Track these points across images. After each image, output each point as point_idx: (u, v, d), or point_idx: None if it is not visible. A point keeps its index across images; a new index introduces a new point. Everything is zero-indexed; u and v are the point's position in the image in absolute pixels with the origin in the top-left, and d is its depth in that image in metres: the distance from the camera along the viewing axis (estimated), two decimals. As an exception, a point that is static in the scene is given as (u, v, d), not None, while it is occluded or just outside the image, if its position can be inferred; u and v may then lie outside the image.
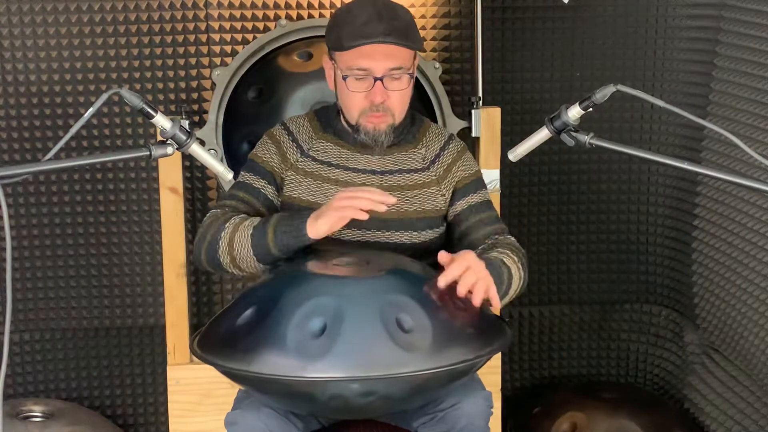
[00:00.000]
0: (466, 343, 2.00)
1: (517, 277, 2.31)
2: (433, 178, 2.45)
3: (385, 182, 2.42)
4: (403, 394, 2.01)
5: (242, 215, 2.34)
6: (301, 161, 2.44)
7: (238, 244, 2.28)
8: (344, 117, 2.43)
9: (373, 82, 2.32)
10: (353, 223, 2.33)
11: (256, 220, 2.30)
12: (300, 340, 1.93)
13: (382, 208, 2.18)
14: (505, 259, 2.29)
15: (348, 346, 1.91)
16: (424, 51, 3.13)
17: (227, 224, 2.30)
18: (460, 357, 1.97)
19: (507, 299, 2.30)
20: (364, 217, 2.17)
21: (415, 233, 2.41)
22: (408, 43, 2.31)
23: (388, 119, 2.37)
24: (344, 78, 2.34)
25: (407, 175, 2.44)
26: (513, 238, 2.44)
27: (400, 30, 2.31)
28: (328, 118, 2.49)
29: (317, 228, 2.20)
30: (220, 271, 2.38)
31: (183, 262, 2.75)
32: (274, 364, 1.93)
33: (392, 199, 2.19)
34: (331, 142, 2.45)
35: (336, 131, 2.46)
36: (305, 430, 2.23)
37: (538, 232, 3.44)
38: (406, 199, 2.42)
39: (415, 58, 2.41)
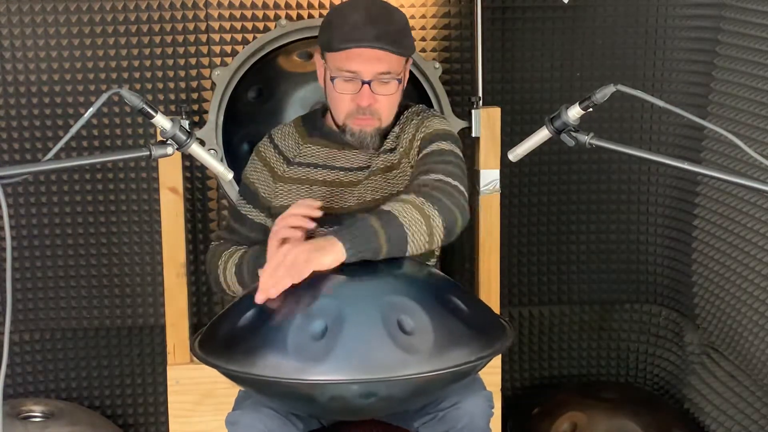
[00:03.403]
0: (467, 344, 1.99)
1: (411, 212, 2.11)
2: (401, 151, 2.45)
3: (367, 171, 2.43)
4: (404, 396, 2.01)
5: (230, 249, 2.46)
6: (289, 171, 2.47)
7: (232, 283, 2.44)
8: (332, 116, 2.44)
9: (361, 85, 2.32)
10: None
11: (237, 257, 2.42)
12: (301, 342, 1.93)
13: (315, 213, 2.20)
14: (384, 206, 2.13)
15: (349, 348, 1.91)
16: (421, 52, 3.13)
17: (220, 263, 2.45)
18: (462, 359, 1.97)
19: (420, 239, 2.11)
20: (297, 234, 2.19)
21: None
22: (398, 50, 2.31)
23: (375, 122, 2.38)
24: (332, 79, 2.35)
25: (384, 157, 2.45)
26: (434, 176, 2.25)
27: (392, 35, 2.31)
28: (313, 122, 2.51)
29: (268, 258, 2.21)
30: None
31: (183, 262, 2.74)
32: (275, 366, 1.93)
33: (316, 209, 2.20)
34: (319, 145, 2.47)
35: (322, 133, 2.47)
36: (305, 431, 2.24)
37: (538, 232, 3.44)
38: (388, 182, 2.42)
39: (407, 62, 2.42)
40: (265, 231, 2.48)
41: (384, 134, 2.43)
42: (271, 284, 2.01)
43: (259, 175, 2.49)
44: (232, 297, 2.44)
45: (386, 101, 2.36)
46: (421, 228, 2.11)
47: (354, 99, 2.34)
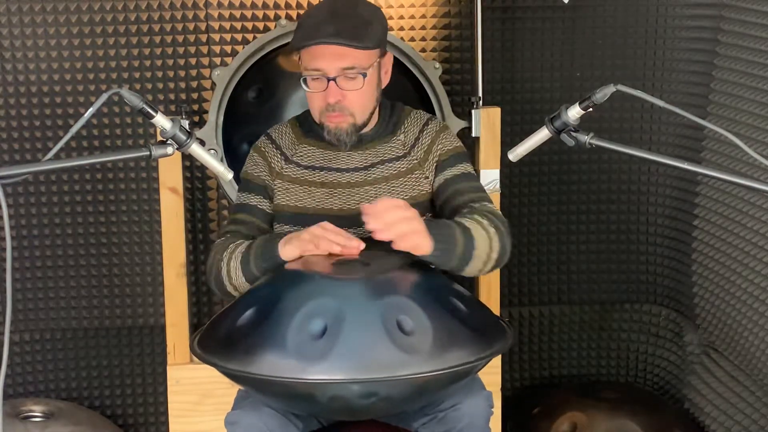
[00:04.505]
0: (466, 345, 1.99)
1: (484, 242, 2.22)
2: (415, 162, 2.46)
3: (370, 176, 2.43)
4: (403, 396, 2.01)
5: (237, 242, 2.38)
6: (286, 168, 2.46)
7: (234, 273, 2.34)
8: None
9: (327, 83, 2.32)
10: (346, 221, 2.35)
11: (244, 246, 2.35)
12: (300, 341, 1.93)
13: (354, 252, 2.21)
14: (464, 222, 2.24)
15: (348, 348, 1.91)
16: (421, 52, 3.13)
17: (224, 255, 2.36)
18: (461, 359, 1.97)
19: (478, 265, 2.24)
20: (329, 251, 2.21)
21: None
22: (358, 44, 2.30)
23: (348, 119, 2.37)
24: (303, 79, 2.36)
25: (390, 165, 2.44)
26: (492, 206, 2.38)
27: (353, 29, 2.30)
28: (309, 122, 2.51)
29: (287, 252, 2.24)
30: (232, 298, 2.40)
31: (183, 262, 2.75)
32: (275, 365, 1.93)
33: (355, 247, 2.21)
34: (315, 146, 2.47)
35: (318, 134, 2.47)
36: (305, 430, 2.24)
37: (538, 232, 3.44)
38: (394, 188, 2.42)
39: (384, 57, 2.41)
40: (271, 220, 2.48)
41: (359, 129, 2.41)
42: (378, 216, 2.08)
43: (261, 169, 2.49)
44: (228, 295, 2.40)
45: (355, 96, 2.35)
46: (481, 259, 2.24)
47: (323, 96, 2.35)
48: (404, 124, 2.49)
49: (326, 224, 2.24)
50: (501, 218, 2.33)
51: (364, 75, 2.34)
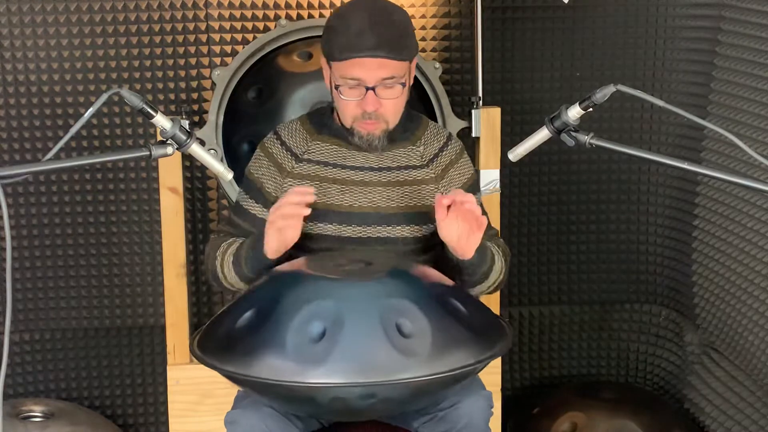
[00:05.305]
0: (466, 347, 1.99)
1: (498, 267, 2.40)
2: (432, 176, 2.46)
3: (384, 178, 2.43)
4: (403, 398, 2.01)
5: (229, 240, 2.41)
6: (298, 167, 2.45)
7: (229, 275, 2.38)
8: (340, 119, 2.44)
9: (365, 92, 2.31)
10: (356, 219, 2.34)
11: (234, 247, 2.38)
12: (299, 344, 1.92)
13: (306, 211, 2.23)
14: (492, 248, 2.40)
15: (347, 352, 1.90)
16: (421, 52, 3.13)
17: (218, 254, 2.40)
18: (460, 362, 1.96)
19: (484, 287, 2.41)
20: (293, 223, 2.23)
21: (417, 227, 2.41)
22: (399, 56, 2.30)
23: (382, 125, 2.37)
24: (336, 87, 2.35)
25: (405, 172, 2.45)
26: (501, 240, 2.54)
27: (393, 40, 2.30)
28: (322, 119, 2.50)
29: (268, 249, 2.27)
30: (236, 291, 2.44)
31: (183, 262, 2.75)
32: (274, 368, 1.92)
33: (310, 194, 2.24)
34: (328, 143, 2.46)
35: (332, 131, 2.46)
36: (305, 430, 2.24)
37: (538, 232, 3.44)
38: (407, 195, 2.43)
39: (412, 62, 2.41)
40: (263, 223, 2.47)
41: (391, 135, 2.41)
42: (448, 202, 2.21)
43: (265, 170, 2.46)
44: (228, 290, 2.43)
45: (392, 105, 2.35)
46: (490, 282, 2.41)
47: (360, 104, 2.34)
48: (424, 137, 2.50)
49: (280, 202, 2.26)
50: (509, 254, 2.52)
51: (403, 84, 2.35)
